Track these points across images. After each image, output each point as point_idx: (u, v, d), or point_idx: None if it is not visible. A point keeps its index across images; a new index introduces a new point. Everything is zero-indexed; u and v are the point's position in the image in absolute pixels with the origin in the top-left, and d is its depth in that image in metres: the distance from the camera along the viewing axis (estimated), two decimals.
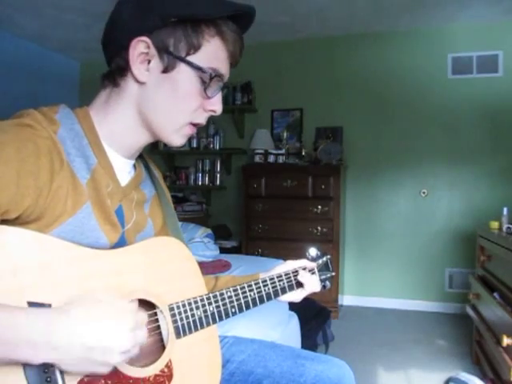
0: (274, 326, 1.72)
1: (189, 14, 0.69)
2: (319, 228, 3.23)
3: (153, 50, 0.70)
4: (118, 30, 0.72)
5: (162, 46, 0.70)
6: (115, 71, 0.73)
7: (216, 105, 0.76)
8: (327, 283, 1.02)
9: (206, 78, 0.72)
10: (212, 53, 0.72)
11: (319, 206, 3.23)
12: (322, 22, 3.42)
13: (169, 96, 0.72)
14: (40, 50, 3.98)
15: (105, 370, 0.59)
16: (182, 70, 0.71)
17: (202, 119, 0.77)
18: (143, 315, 0.65)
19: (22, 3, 3.07)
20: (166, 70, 0.71)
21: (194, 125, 0.77)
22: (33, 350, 0.53)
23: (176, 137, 0.77)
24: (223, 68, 0.75)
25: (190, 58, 0.71)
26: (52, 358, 0.54)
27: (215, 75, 0.73)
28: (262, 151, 3.60)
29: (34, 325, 0.53)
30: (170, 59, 0.70)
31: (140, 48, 0.70)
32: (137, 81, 0.72)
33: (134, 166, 0.83)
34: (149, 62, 0.71)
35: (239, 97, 3.83)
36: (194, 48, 0.71)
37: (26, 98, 3.63)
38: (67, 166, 0.66)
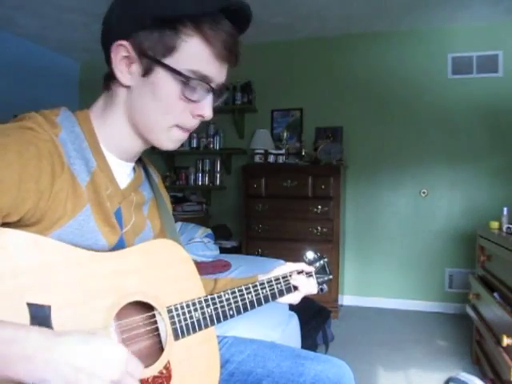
0: (274, 326, 1.72)
1: (162, 15, 0.66)
2: (319, 228, 3.23)
3: (133, 54, 0.69)
4: (104, 33, 0.73)
5: (140, 49, 0.68)
6: (107, 74, 0.74)
7: (203, 109, 0.73)
8: (324, 286, 1.02)
9: (184, 81, 0.69)
10: (191, 54, 0.68)
11: (319, 206, 3.23)
12: (322, 22, 3.42)
13: (150, 100, 0.71)
14: (40, 49, 3.98)
15: None
16: (159, 73, 0.69)
17: (191, 124, 0.74)
18: (138, 364, 0.60)
19: (21, 3, 3.07)
20: (145, 74, 0.70)
21: (186, 130, 0.75)
22: (28, 367, 0.51)
23: (166, 141, 0.75)
24: (209, 69, 0.70)
25: (166, 61, 0.68)
26: (41, 376, 0.52)
27: (195, 78, 0.69)
28: (262, 151, 3.60)
29: (33, 341, 0.52)
30: (147, 62, 0.69)
31: (121, 52, 0.69)
32: (122, 85, 0.72)
33: (134, 168, 0.84)
34: (131, 65, 0.70)
35: (239, 97, 3.83)
36: (170, 49, 0.68)
37: (26, 98, 3.64)
38: (68, 169, 0.66)
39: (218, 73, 0.72)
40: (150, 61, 0.68)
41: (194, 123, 0.75)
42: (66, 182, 0.65)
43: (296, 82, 3.80)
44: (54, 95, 4.03)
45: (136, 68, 0.70)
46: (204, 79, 0.70)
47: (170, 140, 0.75)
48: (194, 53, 0.69)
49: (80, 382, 0.53)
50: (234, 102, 3.84)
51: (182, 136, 0.76)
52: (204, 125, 3.97)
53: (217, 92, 0.74)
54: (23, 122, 0.65)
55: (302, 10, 3.19)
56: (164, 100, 0.70)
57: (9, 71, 3.63)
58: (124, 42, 0.68)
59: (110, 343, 0.56)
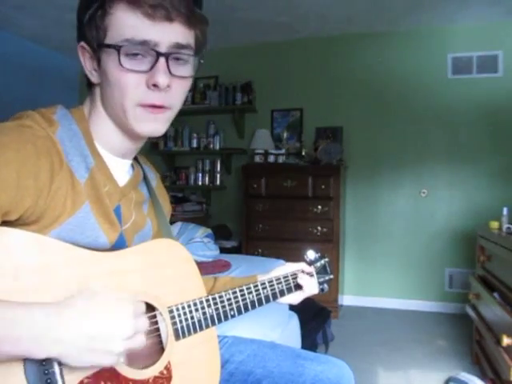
0: (274, 326, 1.72)
1: (89, 3, 0.69)
2: (319, 228, 3.23)
3: (90, 51, 0.71)
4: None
5: (89, 44, 0.70)
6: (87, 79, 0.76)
7: (154, 76, 0.67)
8: (325, 286, 1.02)
9: (120, 51, 0.65)
10: (120, 24, 0.66)
11: (319, 206, 3.23)
12: (322, 22, 3.42)
13: (108, 86, 0.70)
14: (40, 50, 3.98)
15: (109, 360, 0.58)
16: (103, 56, 0.69)
17: (149, 98, 0.68)
18: (141, 305, 0.65)
19: (21, 3, 3.07)
20: (98, 64, 0.71)
21: (150, 106, 0.69)
22: (35, 345, 0.53)
23: (139, 124, 0.70)
24: (145, 33, 0.65)
25: (104, 42, 0.67)
26: (56, 351, 0.54)
27: (130, 44, 0.65)
28: (261, 151, 3.60)
29: (35, 319, 0.53)
30: (96, 52, 0.70)
31: (83, 53, 0.73)
32: (94, 84, 0.74)
33: (132, 166, 0.84)
34: (93, 63, 0.72)
35: (239, 97, 3.83)
36: (103, 29, 0.67)
37: (26, 98, 3.63)
38: (66, 167, 0.67)
39: (158, 33, 0.66)
40: (97, 50, 0.70)
41: (153, 96, 0.68)
42: (64, 179, 0.66)
43: (296, 82, 3.79)
44: (54, 95, 4.03)
45: (95, 63, 0.72)
46: (144, 44, 0.66)
47: (140, 121, 0.70)
48: (123, 21, 0.66)
49: (97, 348, 0.56)
50: (234, 101, 3.84)
51: (149, 114, 0.70)
52: (204, 125, 3.98)
53: (171, 55, 0.68)
54: (21, 120, 0.65)
55: (301, 9, 3.19)
56: (113, 79, 0.68)
57: (9, 71, 3.63)
58: (82, 43, 0.72)
59: (114, 304, 0.59)
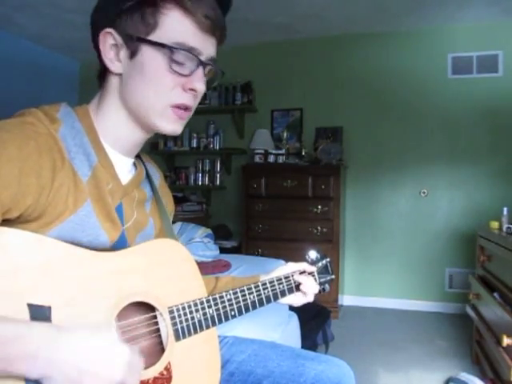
0: (274, 326, 1.72)
1: None
2: (319, 228, 3.23)
3: (119, 39, 0.70)
4: (92, 28, 0.74)
5: (124, 32, 0.69)
6: (99, 70, 0.75)
7: (195, 82, 0.71)
8: (326, 286, 1.02)
9: (171, 54, 0.69)
10: (173, 27, 0.69)
11: (319, 206, 3.22)
12: (322, 22, 3.42)
13: (140, 81, 0.71)
14: (40, 50, 3.98)
15: None
16: (145, 51, 0.69)
17: (183, 99, 0.72)
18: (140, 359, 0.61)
19: (21, 3, 3.07)
20: (132, 56, 0.70)
21: (180, 108, 0.73)
22: (31, 364, 0.51)
23: (164, 123, 0.73)
24: (194, 41, 0.70)
25: (150, 37, 0.69)
26: (44, 373, 0.52)
27: (181, 48, 0.69)
28: (261, 151, 3.60)
29: (36, 339, 0.52)
30: (132, 44, 0.70)
31: (108, 40, 0.71)
32: (114, 73, 0.72)
33: (135, 165, 0.83)
34: (119, 51, 0.71)
35: (239, 97, 3.83)
36: (152, 26, 0.68)
37: (26, 98, 3.63)
38: (68, 164, 0.66)
39: (204, 45, 0.71)
40: (135, 41, 0.69)
41: (187, 98, 0.73)
42: (66, 176, 0.65)
43: (296, 82, 3.79)
44: (54, 95, 4.03)
45: (124, 53, 0.71)
46: (191, 51, 0.70)
47: (169, 122, 0.73)
48: (176, 25, 0.69)
49: (83, 382, 0.53)
50: (234, 101, 3.84)
51: (178, 115, 0.73)
52: (204, 125, 3.97)
53: (207, 66, 0.74)
54: (23, 117, 0.65)
55: (302, 9, 3.19)
56: (153, 77, 0.70)
57: (9, 71, 3.63)
58: (109, 30, 0.70)
59: (112, 343, 0.57)
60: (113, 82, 0.74)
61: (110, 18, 0.70)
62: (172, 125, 0.74)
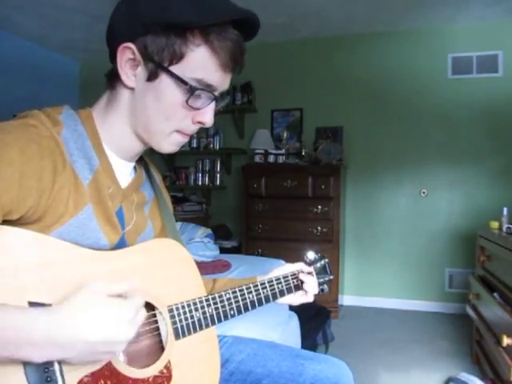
0: (274, 326, 1.72)
1: (170, 22, 0.66)
2: (319, 228, 3.23)
3: (138, 57, 0.69)
4: (110, 32, 0.72)
5: (146, 53, 0.68)
6: (111, 73, 0.74)
7: (204, 117, 0.73)
8: (325, 287, 1.02)
9: (190, 91, 0.69)
10: (197, 63, 0.68)
11: (319, 206, 3.23)
12: (322, 22, 3.42)
13: (153, 104, 0.71)
14: (40, 50, 3.98)
15: (109, 357, 0.62)
16: (164, 79, 0.69)
17: (190, 129, 0.75)
18: (139, 298, 0.63)
19: (21, 3, 3.07)
20: (149, 79, 0.69)
21: (186, 135, 0.75)
22: (35, 349, 0.53)
23: (165, 144, 0.75)
24: (213, 78, 0.70)
25: (172, 68, 0.68)
26: (57, 355, 0.55)
27: (200, 88, 0.69)
28: (262, 151, 3.60)
29: (34, 325, 0.53)
30: (153, 68, 0.69)
31: (127, 54, 0.69)
32: (126, 86, 0.72)
33: (135, 168, 0.84)
34: (136, 67, 0.70)
35: (239, 97, 3.83)
36: (177, 57, 0.68)
37: (26, 98, 3.64)
38: (69, 167, 0.66)
39: (221, 81, 0.72)
40: (156, 66, 0.68)
41: (193, 129, 0.75)
42: (67, 179, 0.66)
43: (296, 82, 3.80)
44: (54, 95, 4.04)
45: (141, 71, 0.70)
46: (208, 88, 0.70)
47: (170, 144, 0.75)
48: (200, 62, 0.68)
49: (99, 351, 0.57)
50: (234, 102, 3.84)
51: (181, 140, 0.76)
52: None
53: (219, 99, 0.75)
54: (25, 119, 0.65)
55: (302, 9, 3.19)
56: (167, 106, 0.70)
57: (9, 71, 3.64)
58: (130, 45, 0.68)
59: (111, 305, 0.59)
60: (123, 94, 0.73)
61: (132, 33, 0.68)
62: (173, 147, 0.76)
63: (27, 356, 0.53)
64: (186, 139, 0.76)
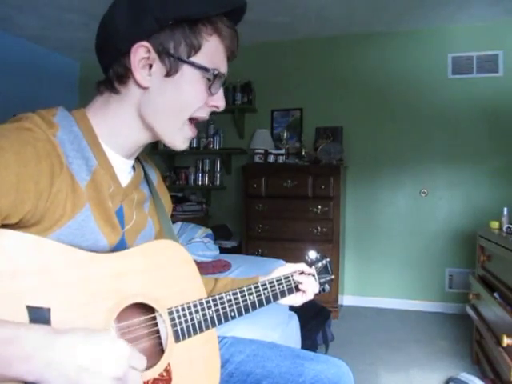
0: (274, 327, 1.72)
1: (185, 15, 0.68)
2: (319, 228, 3.23)
3: (153, 55, 0.69)
4: (113, 36, 0.70)
5: (163, 49, 0.69)
6: (114, 78, 0.72)
7: (219, 101, 0.77)
8: (326, 286, 1.02)
9: (211, 77, 0.73)
10: (212, 51, 0.73)
11: (319, 206, 3.22)
12: (322, 21, 3.42)
13: (173, 98, 0.72)
14: (40, 50, 3.98)
15: None
16: (186, 71, 0.71)
17: (203, 113, 0.78)
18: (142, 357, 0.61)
19: (21, 3, 3.07)
20: (168, 74, 0.70)
21: (195, 121, 0.78)
22: (28, 366, 0.50)
23: (179, 138, 0.77)
24: (223, 64, 0.76)
25: (192, 59, 0.71)
26: (43, 376, 0.51)
27: (218, 73, 0.73)
28: (261, 151, 3.60)
29: (33, 340, 0.51)
30: (172, 62, 0.70)
31: (141, 53, 0.69)
32: (140, 86, 0.71)
33: (133, 166, 0.83)
34: (150, 66, 0.70)
35: (239, 97, 3.83)
36: (195, 48, 0.71)
37: (26, 98, 3.64)
38: (66, 169, 0.66)
39: (226, 67, 0.78)
40: (175, 60, 0.70)
41: (207, 113, 0.78)
42: (64, 182, 0.65)
43: (296, 82, 3.79)
44: (54, 95, 4.03)
45: (157, 69, 0.70)
46: (220, 73, 0.75)
47: (183, 138, 0.78)
48: (215, 50, 0.73)
49: (83, 381, 0.52)
50: (234, 102, 3.84)
51: (192, 132, 0.78)
52: (204, 125, 3.97)
53: (224, 84, 0.79)
54: (20, 122, 0.64)
55: (302, 9, 3.19)
56: (188, 97, 0.73)
57: (9, 71, 3.63)
58: (145, 43, 0.68)
59: (111, 340, 0.56)
60: (134, 94, 0.72)
61: (144, 32, 0.68)
62: (184, 143, 0.79)
63: (19, 373, 0.50)
64: (195, 131, 0.79)
